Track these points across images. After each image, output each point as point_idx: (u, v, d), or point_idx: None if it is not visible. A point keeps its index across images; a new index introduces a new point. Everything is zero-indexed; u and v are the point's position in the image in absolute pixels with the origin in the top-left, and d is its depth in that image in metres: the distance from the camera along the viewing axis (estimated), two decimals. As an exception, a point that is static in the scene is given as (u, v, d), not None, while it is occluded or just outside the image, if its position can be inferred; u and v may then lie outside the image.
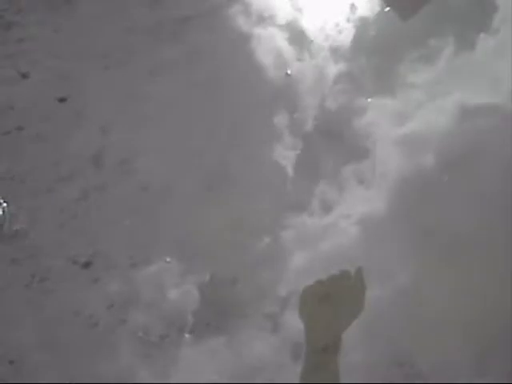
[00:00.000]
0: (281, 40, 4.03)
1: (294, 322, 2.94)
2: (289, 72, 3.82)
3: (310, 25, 4.15)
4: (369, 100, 3.78)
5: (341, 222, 3.25)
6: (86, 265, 3.04)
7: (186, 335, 2.82)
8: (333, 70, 3.95)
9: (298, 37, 4.07)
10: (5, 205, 3.18)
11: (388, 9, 4.11)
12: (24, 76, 3.75)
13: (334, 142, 3.67)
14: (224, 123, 3.58)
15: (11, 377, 2.69)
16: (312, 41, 4.07)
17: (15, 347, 2.79)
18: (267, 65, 3.86)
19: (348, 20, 4.15)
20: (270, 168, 3.48)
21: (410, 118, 3.58)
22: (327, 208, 3.37)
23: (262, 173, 3.46)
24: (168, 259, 3.02)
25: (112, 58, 3.78)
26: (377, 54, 3.97)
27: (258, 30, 4.06)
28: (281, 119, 3.65)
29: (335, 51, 4.03)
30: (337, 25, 4.15)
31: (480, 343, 2.73)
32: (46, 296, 2.96)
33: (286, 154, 3.56)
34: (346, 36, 4.10)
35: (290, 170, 3.50)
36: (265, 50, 3.93)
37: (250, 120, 3.63)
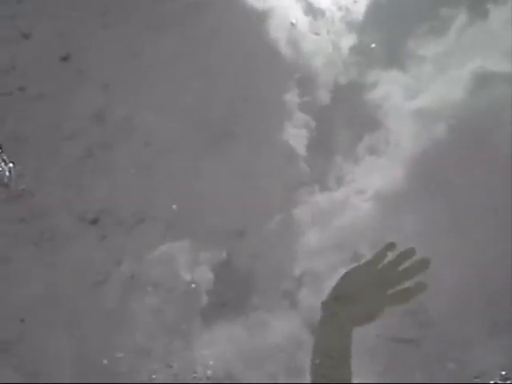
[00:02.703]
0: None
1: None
2: (294, 21, 3.66)
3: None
4: (382, 72, 3.68)
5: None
6: (94, 221, 3.02)
7: (193, 285, 2.81)
8: (345, 42, 3.85)
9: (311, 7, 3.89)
10: (11, 165, 3.16)
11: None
12: (25, 36, 3.68)
13: (347, 113, 3.62)
14: (228, 79, 3.48)
15: (20, 335, 2.71)
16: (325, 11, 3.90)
17: (25, 306, 2.80)
18: (270, 15, 3.70)
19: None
20: (276, 126, 3.41)
21: (423, 90, 3.51)
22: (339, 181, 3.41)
23: (266, 130, 3.39)
24: (174, 206, 2.98)
25: (112, 14, 3.68)
26: (389, 25, 3.83)
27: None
28: (290, 88, 3.54)
29: (349, 23, 3.90)
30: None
31: (491, 293, 2.67)
32: (55, 253, 2.96)
33: (294, 118, 3.49)
34: (360, 7, 3.94)
35: (298, 133, 3.44)
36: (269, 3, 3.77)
37: (257, 79, 3.52)
